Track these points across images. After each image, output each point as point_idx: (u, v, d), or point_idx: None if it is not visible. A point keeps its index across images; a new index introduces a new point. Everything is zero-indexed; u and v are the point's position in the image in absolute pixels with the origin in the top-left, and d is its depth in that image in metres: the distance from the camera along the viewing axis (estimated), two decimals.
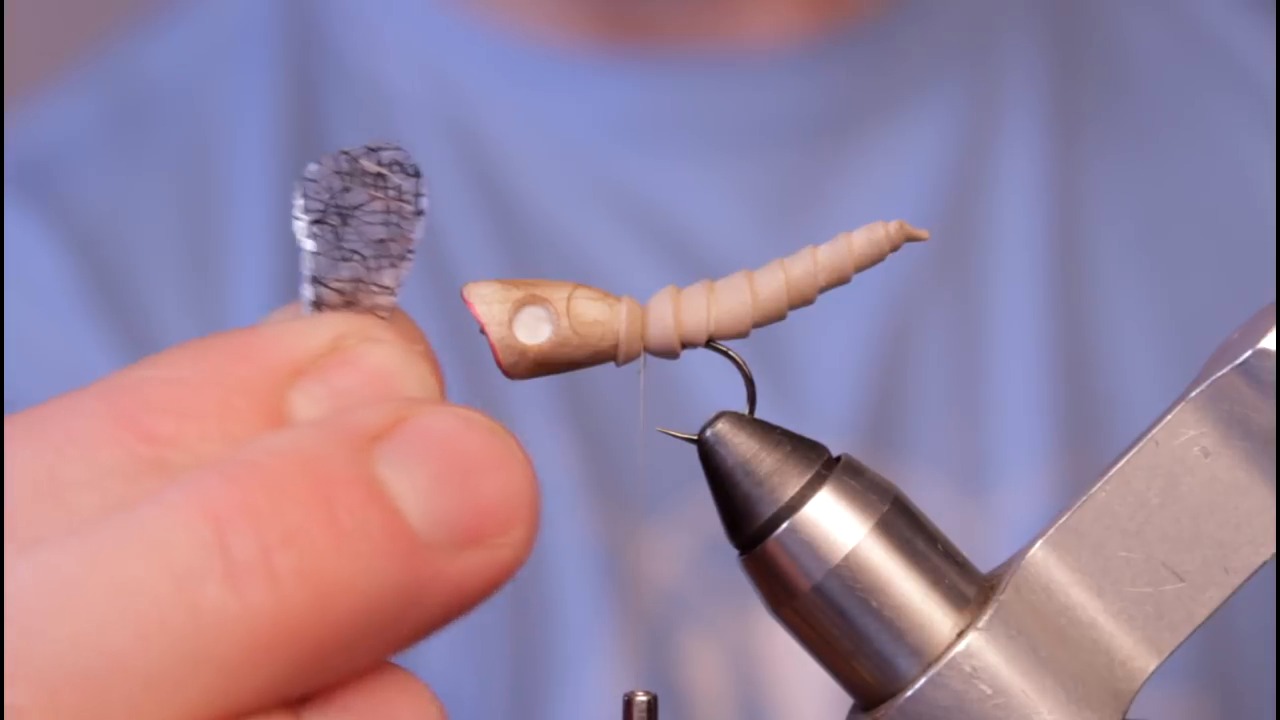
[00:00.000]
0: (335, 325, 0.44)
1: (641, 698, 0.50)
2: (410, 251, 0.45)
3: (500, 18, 1.05)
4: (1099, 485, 0.47)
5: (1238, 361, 0.47)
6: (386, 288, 0.45)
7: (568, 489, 0.98)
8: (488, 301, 0.48)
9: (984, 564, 0.49)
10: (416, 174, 0.45)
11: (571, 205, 1.03)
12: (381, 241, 0.45)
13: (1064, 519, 0.48)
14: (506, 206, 1.03)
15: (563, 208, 1.03)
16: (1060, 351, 1.01)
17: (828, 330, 1.01)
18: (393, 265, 0.45)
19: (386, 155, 0.45)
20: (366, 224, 0.45)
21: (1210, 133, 1.07)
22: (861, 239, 0.49)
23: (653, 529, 0.98)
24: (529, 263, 1.02)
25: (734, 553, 0.97)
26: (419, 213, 0.45)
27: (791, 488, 0.48)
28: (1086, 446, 1.01)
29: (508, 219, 1.03)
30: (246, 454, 0.40)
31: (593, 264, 1.01)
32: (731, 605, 0.97)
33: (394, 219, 0.45)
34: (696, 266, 1.01)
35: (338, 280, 0.45)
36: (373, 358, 0.43)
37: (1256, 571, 0.47)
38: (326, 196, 0.45)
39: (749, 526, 0.48)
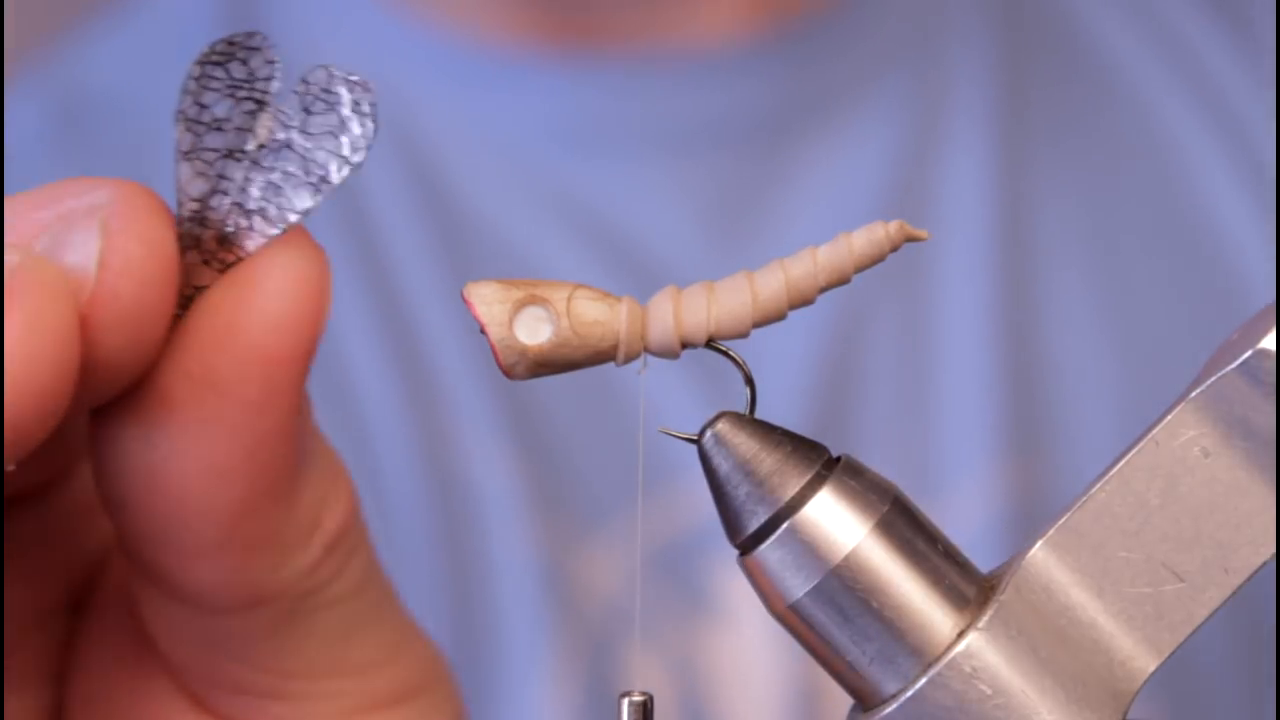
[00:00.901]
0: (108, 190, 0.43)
1: (637, 698, 0.50)
2: (329, 188, 0.45)
3: (442, 20, 1.04)
4: (1099, 485, 0.48)
5: (1238, 361, 0.47)
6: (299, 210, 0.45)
7: (510, 500, 0.97)
8: (488, 302, 0.47)
9: None
10: (374, 122, 0.45)
11: (514, 209, 1.03)
12: (317, 162, 0.45)
13: (1064, 519, 0.48)
14: (448, 210, 1.03)
15: (505, 211, 1.03)
16: (1007, 355, 1.01)
17: (775, 334, 1.00)
18: (314, 192, 0.45)
19: (367, 99, 0.45)
20: (315, 139, 0.45)
21: (1162, 134, 1.07)
22: (862, 239, 0.49)
23: (595, 541, 0.98)
24: (470, 267, 1.01)
25: (676, 565, 0.97)
26: (357, 165, 0.45)
27: (792, 488, 0.48)
28: (1034, 450, 1.00)
29: (449, 222, 1.02)
30: None
31: (536, 268, 1.01)
32: (675, 617, 0.97)
33: (335, 153, 0.45)
34: (642, 270, 1.01)
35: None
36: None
37: (1256, 572, 0.47)
38: (301, 93, 0.45)
39: (749, 527, 0.48)
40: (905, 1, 1.07)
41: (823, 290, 0.49)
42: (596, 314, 0.48)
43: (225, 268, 0.45)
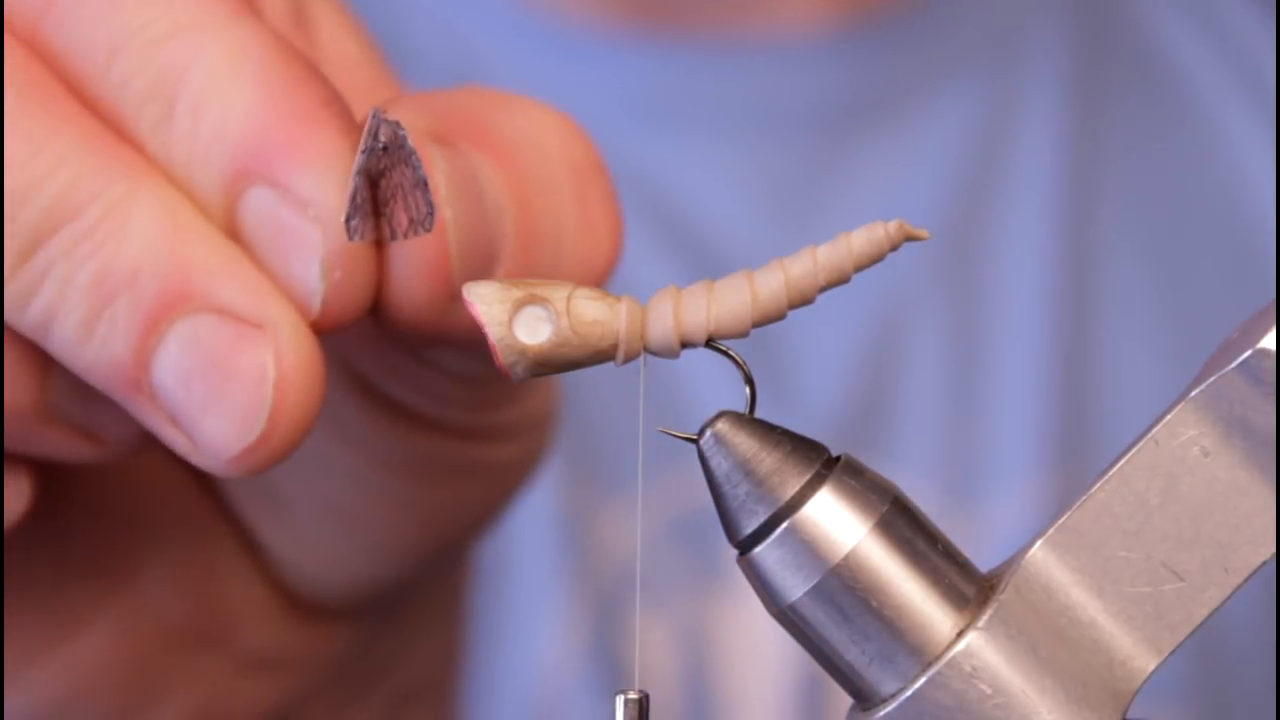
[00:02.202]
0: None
1: (633, 695, 0.50)
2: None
3: None
4: (1099, 485, 0.47)
5: (1238, 361, 0.47)
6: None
7: None
8: (487, 301, 0.48)
9: None
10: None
11: None
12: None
13: (1064, 519, 0.48)
14: None
15: None
16: (1059, 364, 1.01)
17: (821, 330, 1.01)
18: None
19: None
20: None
21: (1229, 151, 1.07)
22: (861, 239, 0.49)
23: (616, 503, 0.99)
24: None
25: (693, 535, 0.96)
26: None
27: (791, 487, 0.48)
28: (1078, 461, 1.01)
29: None
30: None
31: None
32: (684, 586, 0.98)
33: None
34: (708, 252, 1.02)
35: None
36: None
37: (1256, 571, 0.47)
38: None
39: (748, 527, 0.48)
40: (984, 6, 1.07)
41: (822, 289, 0.49)
42: (596, 313, 0.48)
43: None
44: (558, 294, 0.48)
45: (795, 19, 1.05)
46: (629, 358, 0.48)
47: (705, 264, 1.01)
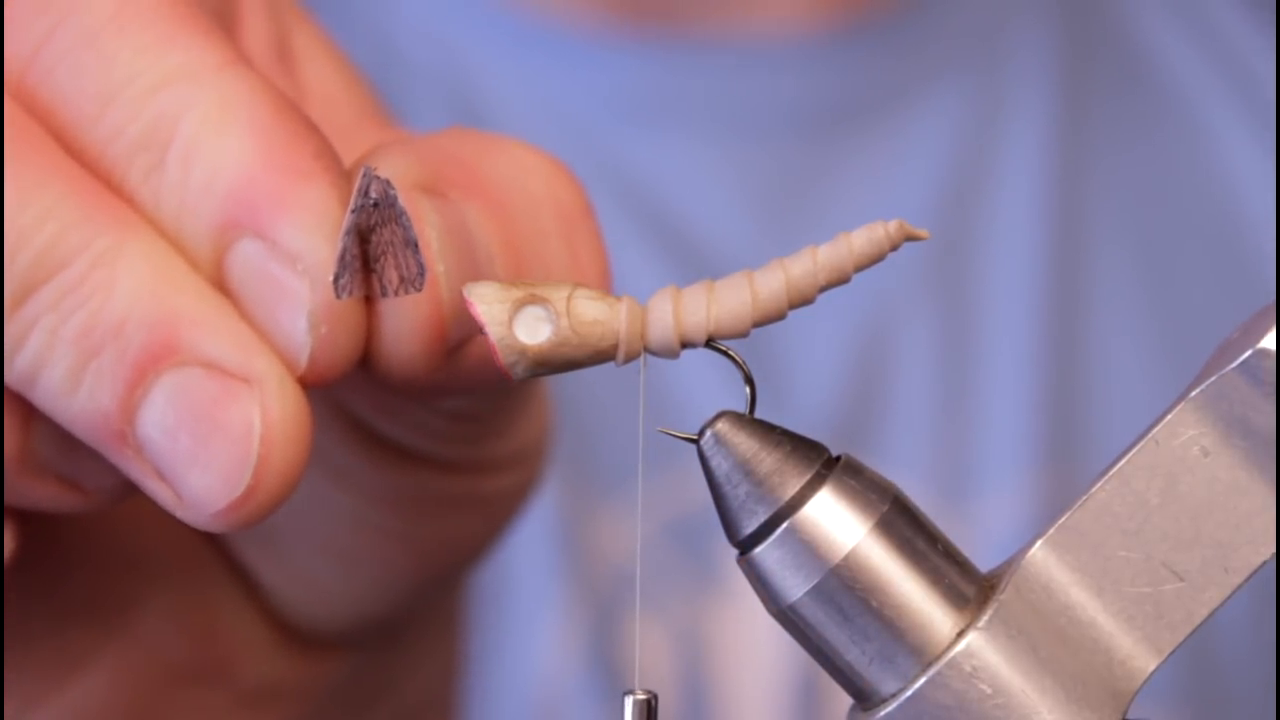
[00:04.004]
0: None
1: (640, 696, 0.50)
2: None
3: None
4: (1099, 485, 0.47)
5: (1238, 361, 0.47)
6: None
7: None
8: (487, 301, 0.48)
9: None
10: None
11: None
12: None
13: (1064, 518, 0.48)
14: None
15: None
16: (1049, 364, 1.01)
17: (812, 331, 1.01)
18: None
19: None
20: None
21: (1216, 150, 1.07)
22: (861, 238, 0.49)
23: (612, 506, 0.99)
24: None
25: (686, 536, 0.96)
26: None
27: (791, 487, 0.48)
28: (1070, 461, 1.01)
29: None
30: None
31: None
32: (681, 588, 0.98)
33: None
34: (695, 252, 1.02)
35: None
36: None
37: (1256, 571, 0.47)
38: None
39: (748, 526, 0.48)
40: (972, 7, 1.07)
41: (822, 289, 0.49)
42: (596, 313, 0.48)
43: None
44: (558, 294, 0.48)
45: (783, 20, 1.05)
46: (629, 358, 0.48)
47: (694, 264, 1.01)
